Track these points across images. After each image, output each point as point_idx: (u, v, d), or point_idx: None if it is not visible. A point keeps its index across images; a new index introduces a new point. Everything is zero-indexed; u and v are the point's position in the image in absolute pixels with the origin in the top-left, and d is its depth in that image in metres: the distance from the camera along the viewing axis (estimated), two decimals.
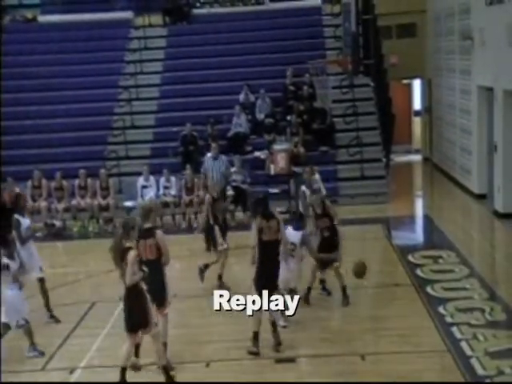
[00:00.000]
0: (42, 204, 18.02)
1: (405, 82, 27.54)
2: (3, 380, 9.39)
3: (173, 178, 18.54)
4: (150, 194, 18.19)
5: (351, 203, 18.55)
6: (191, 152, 19.64)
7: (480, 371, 9.19)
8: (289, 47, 23.25)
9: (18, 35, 24.61)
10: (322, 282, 12.26)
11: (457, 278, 12.84)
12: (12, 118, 21.10)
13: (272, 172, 18.95)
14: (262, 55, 23.24)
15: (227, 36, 24.21)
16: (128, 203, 18.16)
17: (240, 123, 20.61)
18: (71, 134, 21.19)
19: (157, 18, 25.04)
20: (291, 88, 21.45)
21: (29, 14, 25.99)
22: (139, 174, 18.63)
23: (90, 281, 14.03)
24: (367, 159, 20.03)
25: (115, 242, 9.02)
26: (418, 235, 17.97)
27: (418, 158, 26.94)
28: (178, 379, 9.33)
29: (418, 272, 13.28)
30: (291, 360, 9.94)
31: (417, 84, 27.52)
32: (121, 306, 9.36)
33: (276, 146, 19.16)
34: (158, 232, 9.62)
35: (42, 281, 11.61)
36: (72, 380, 9.73)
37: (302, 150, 19.12)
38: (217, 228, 12.91)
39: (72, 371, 9.91)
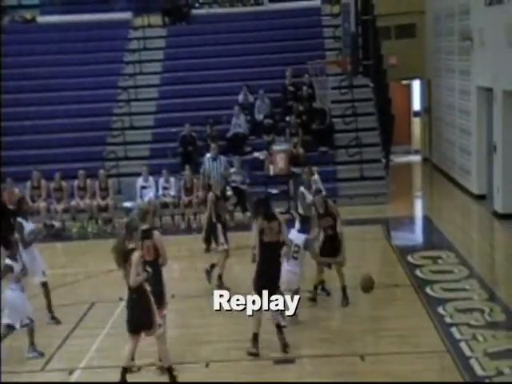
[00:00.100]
0: (41, 205, 17.99)
1: (404, 82, 27.51)
2: (3, 380, 9.40)
3: (172, 179, 18.52)
4: (149, 194, 18.19)
5: (350, 204, 18.50)
6: (190, 152, 19.62)
7: (479, 372, 9.20)
8: (288, 48, 23.22)
9: (17, 36, 24.57)
10: (322, 282, 12.25)
11: (456, 279, 12.84)
12: (11, 118, 21.12)
13: (271, 172, 18.94)
14: (261, 56, 23.22)
15: (226, 36, 24.19)
16: (127, 204, 18.10)
17: (239, 124, 20.59)
18: (70, 135, 21.18)
19: (156, 19, 25.01)
20: (290, 88, 21.43)
21: (28, 15, 25.95)
22: (138, 174, 18.61)
23: (89, 281, 14.01)
24: (366, 160, 20.03)
25: (118, 243, 8.98)
26: (418, 236, 17.96)
27: (417, 158, 26.91)
28: (177, 379, 9.31)
29: (418, 272, 13.28)
30: (291, 361, 9.92)
31: (416, 84, 27.50)
32: (120, 306, 9.35)
33: (275, 147, 19.14)
34: (156, 233, 9.61)
35: (45, 285, 11.56)
36: (71, 380, 9.71)
37: (301, 150, 19.13)
38: (219, 226, 12.92)
39: (71, 372, 9.90)
